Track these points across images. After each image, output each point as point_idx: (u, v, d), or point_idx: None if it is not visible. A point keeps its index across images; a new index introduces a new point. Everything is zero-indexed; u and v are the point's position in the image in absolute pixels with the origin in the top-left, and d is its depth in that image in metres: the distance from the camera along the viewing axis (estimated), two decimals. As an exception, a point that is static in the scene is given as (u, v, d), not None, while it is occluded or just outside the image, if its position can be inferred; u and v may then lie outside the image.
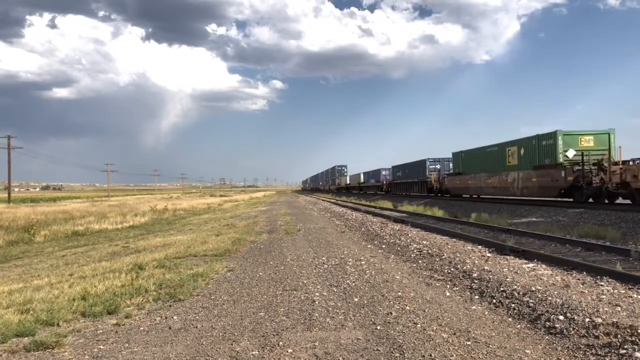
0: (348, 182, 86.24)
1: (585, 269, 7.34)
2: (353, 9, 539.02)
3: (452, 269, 8.07)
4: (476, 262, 8.39)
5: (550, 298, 5.71)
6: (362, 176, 73.82)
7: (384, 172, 61.33)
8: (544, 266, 7.85)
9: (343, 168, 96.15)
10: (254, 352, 4.47)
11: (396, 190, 54.95)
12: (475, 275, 7.38)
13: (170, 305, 6.23)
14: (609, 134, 22.13)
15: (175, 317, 5.68)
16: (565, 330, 4.78)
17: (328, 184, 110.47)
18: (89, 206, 45.69)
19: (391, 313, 5.62)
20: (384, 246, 11.72)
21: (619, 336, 4.44)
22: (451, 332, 4.92)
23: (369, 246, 11.91)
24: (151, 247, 13.94)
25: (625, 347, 4.22)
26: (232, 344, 4.71)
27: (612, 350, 4.22)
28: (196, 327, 5.31)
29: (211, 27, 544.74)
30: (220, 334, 5.04)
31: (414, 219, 19.27)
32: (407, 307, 5.86)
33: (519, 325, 5.18)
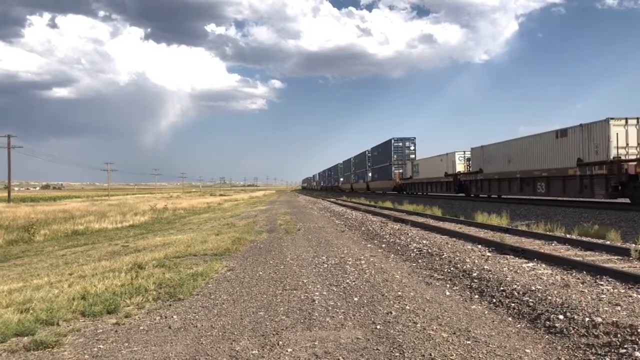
0: (461, 168, 33.96)
1: (585, 268, 7.33)
2: (351, 8, 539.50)
3: (452, 269, 8.07)
4: (476, 261, 8.38)
5: (550, 297, 5.71)
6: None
7: None
8: (543, 265, 7.84)
9: (409, 144, 48.90)
10: (253, 352, 4.47)
11: None
12: (475, 274, 7.37)
13: (170, 305, 6.23)
14: None
15: (175, 317, 5.68)
16: (565, 330, 4.78)
17: (365, 180, 60.95)
18: (89, 205, 45.69)
19: (391, 312, 5.62)
20: (383, 245, 11.72)
21: (619, 335, 4.43)
22: (451, 331, 4.92)
23: (368, 245, 11.91)
24: (151, 247, 13.93)
25: (625, 346, 4.21)
26: (231, 344, 4.71)
27: (612, 350, 4.22)
28: (196, 326, 5.31)
29: (210, 27, 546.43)
30: (220, 334, 5.04)
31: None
32: (407, 307, 5.85)
33: (518, 325, 5.18)
